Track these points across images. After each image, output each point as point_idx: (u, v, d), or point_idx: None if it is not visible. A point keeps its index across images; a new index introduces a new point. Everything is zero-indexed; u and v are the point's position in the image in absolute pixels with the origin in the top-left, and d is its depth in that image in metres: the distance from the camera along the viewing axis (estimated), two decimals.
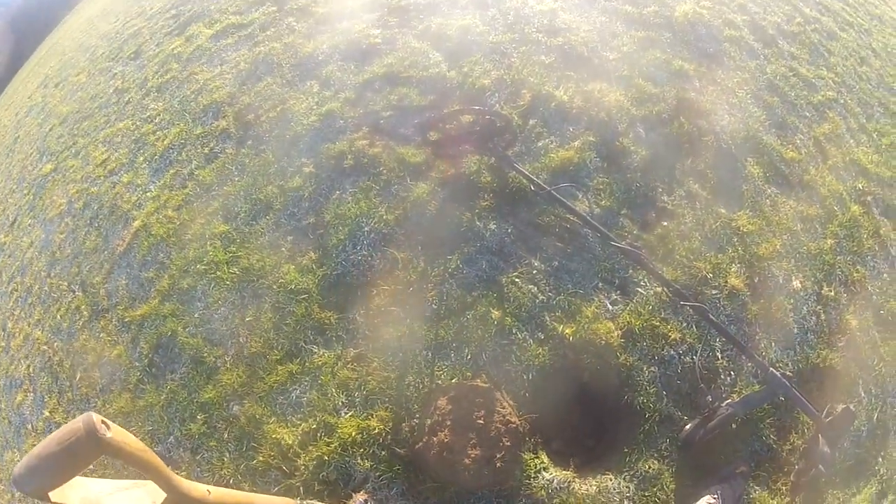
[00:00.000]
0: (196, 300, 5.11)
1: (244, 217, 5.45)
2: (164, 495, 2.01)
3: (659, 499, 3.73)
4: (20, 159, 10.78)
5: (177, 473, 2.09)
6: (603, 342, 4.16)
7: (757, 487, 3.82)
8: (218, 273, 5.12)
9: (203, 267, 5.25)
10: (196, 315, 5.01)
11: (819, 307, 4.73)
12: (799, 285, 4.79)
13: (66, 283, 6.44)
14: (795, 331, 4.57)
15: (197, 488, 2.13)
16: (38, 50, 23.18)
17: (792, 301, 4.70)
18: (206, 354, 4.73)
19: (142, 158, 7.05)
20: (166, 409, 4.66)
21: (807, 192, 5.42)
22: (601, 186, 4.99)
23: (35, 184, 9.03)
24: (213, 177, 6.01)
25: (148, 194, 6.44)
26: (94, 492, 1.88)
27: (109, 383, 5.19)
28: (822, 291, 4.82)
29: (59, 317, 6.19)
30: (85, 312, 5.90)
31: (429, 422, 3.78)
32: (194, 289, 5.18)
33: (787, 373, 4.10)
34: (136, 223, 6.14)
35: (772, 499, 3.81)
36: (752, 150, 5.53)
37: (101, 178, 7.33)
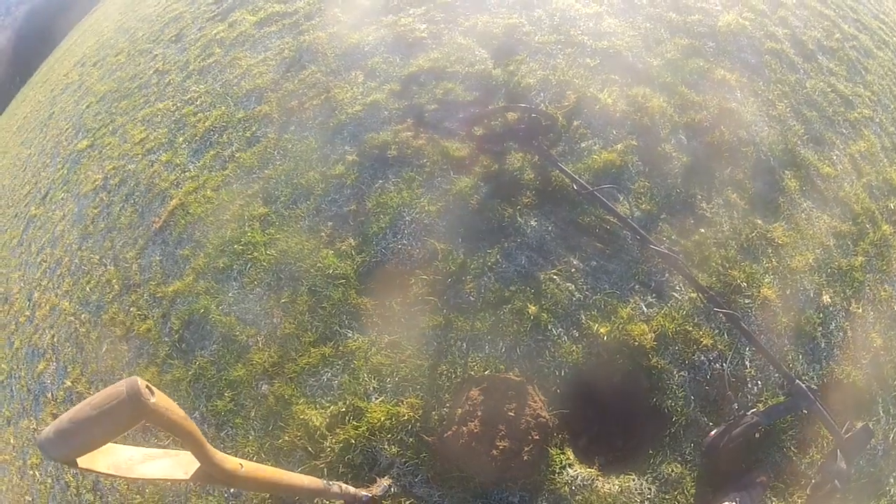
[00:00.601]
0: (231, 279, 5.16)
1: (284, 200, 5.49)
2: (194, 467, 1.98)
3: (679, 502, 3.72)
4: (54, 135, 10.90)
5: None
6: (636, 343, 4.17)
7: (774, 498, 3.82)
8: (255, 254, 5.17)
9: (240, 247, 5.30)
10: (230, 294, 5.07)
11: (847, 323, 4.72)
12: (829, 300, 4.77)
13: (97, 257, 6.52)
14: (823, 345, 4.56)
15: (231, 461, 2.11)
16: (73, 30, 23.33)
17: (821, 315, 4.69)
18: (238, 333, 4.78)
19: (181, 139, 7.13)
20: (193, 384, 4.73)
21: (840, 209, 5.40)
22: (642, 190, 5.00)
23: (70, 159, 9.13)
24: (254, 160, 6.07)
25: (187, 174, 6.52)
26: (123, 459, 1.81)
27: (136, 357, 5.26)
28: (851, 308, 4.80)
29: (88, 289, 6.27)
30: (116, 286, 5.98)
31: (459, 411, 3.81)
32: (230, 268, 5.24)
33: (812, 386, 4.11)
34: (174, 201, 6.21)
35: None
36: (790, 164, 5.51)
37: (139, 156, 7.41)
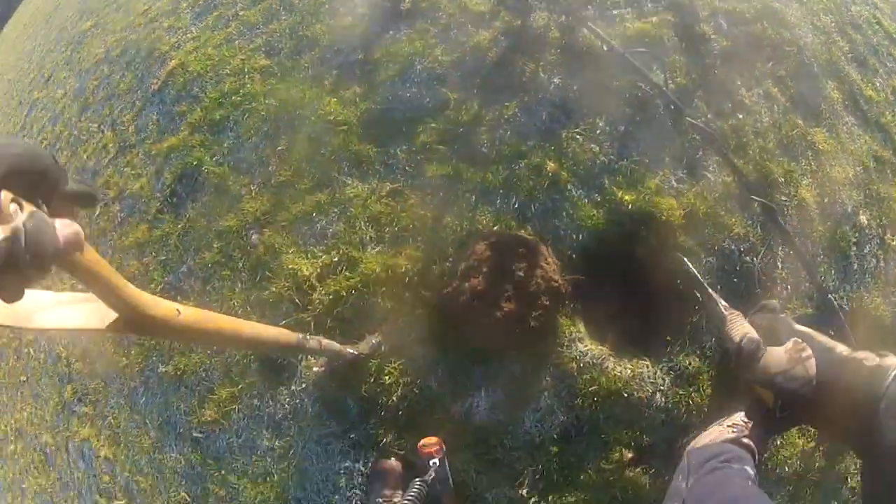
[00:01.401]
0: (227, 130, 4.84)
1: (287, 52, 5.15)
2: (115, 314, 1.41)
3: (693, 400, 3.41)
4: (59, 23, 10.53)
5: (184, 303, 1.65)
6: (664, 217, 3.80)
7: None
8: (253, 104, 4.84)
9: (238, 98, 4.97)
10: (225, 144, 4.75)
11: (881, 252, 4.39)
12: (865, 221, 4.42)
13: (96, 125, 6.23)
14: (855, 266, 4.23)
15: (163, 305, 1.55)
16: None
17: (857, 234, 4.34)
18: (231, 183, 4.47)
19: (185, 4, 6.72)
20: (182, 238, 4.46)
21: (882, 135, 5.03)
22: (677, 65, 4.56)
23: (74, 41, 8.78)
24: (258, 17, 5.69)
25: (188, 35, 6.14)
26: (25, 307, 1.26)
27: (129, 216, 5.00)
28: (886, 238, 4.46)
29: (85, 157, 5.99)
30: (112, 150, 5.70)
31: (463, 265, 3.45)
32: (227, 119, 4.91)
33: (844, 306, 3.86)
34: (174, 62, 5.86)
35: (799, 436, 3.59)
36: (833, 75, 5.11)
37: (141, 25, 7.05)
